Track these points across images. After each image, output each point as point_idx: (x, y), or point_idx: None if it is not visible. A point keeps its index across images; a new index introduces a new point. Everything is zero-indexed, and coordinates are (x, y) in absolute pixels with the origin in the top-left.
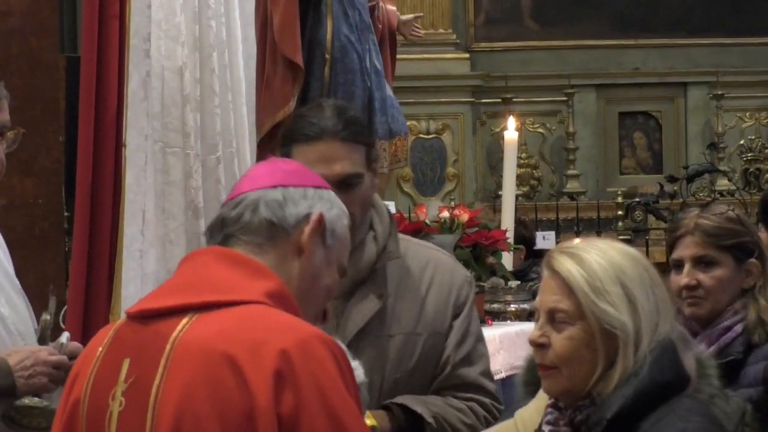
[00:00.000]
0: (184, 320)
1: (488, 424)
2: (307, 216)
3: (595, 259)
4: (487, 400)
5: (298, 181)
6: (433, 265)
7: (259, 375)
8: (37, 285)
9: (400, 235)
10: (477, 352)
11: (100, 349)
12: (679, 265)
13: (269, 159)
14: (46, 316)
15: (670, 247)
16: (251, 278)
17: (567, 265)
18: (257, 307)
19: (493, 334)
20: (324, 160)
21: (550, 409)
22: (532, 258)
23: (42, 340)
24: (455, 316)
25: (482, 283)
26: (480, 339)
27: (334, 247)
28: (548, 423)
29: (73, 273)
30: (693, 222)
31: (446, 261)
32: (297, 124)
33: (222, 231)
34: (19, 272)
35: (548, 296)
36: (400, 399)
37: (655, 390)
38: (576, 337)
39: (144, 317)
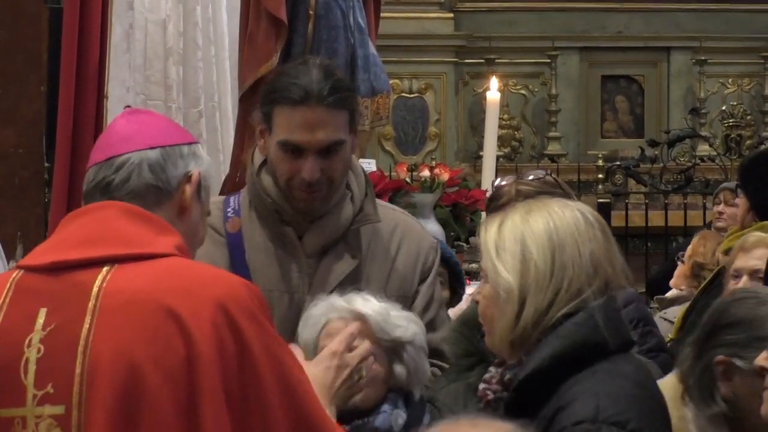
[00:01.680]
0: (103, 270)
1: None
2: (187, 175)
3: (512, 219)
4: (446, 365)
5: (173, 138)
6: (401, 229)
7: (199, 323)
8: (16, 235)
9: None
10: (440, 318)
11: (3, 300)
12: None
13: (130, 111)
14: (13, 264)
15: None
16: (158, 233)
17: (486, 227)
18: (177, 259)
19: (470, 293)
20: (307, 126)
21: (490, 368)
22: None
23: None
24: (422, 281)
25: (461, 242)
26: (443, 305)
27: (205, 199)
28: (484, 381)
29: (52, 223)
30: (513, 189)
31: (414, 226)
32: (280, 83)
33: (106, 195)
34: None
35: None
36: None
37: (574, 352)
38: (486, 296)
39: (54, 269)
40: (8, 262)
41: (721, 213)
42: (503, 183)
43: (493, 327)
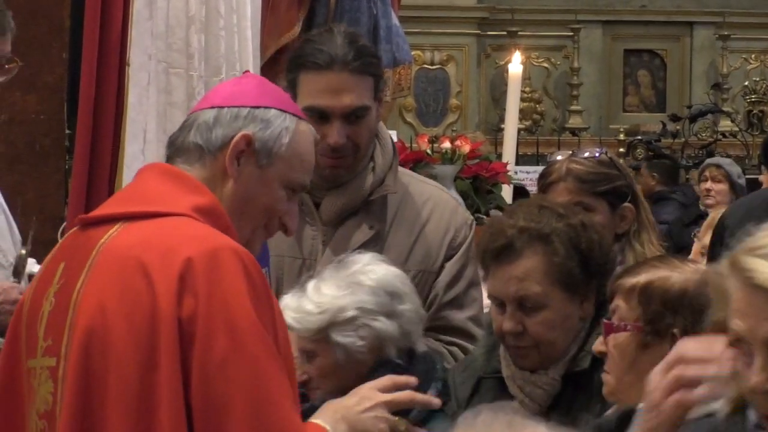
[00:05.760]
0: (114, 228)
1: None
2: (232, 138)
3: None
4: (470, 347)
5: (238, 100)
6: (432, 203)
7: (165, 280)
8: (36, 201)
9: (404, 171)
10: (469, 296)
11: (48, 256)
12: None
13: (243, 75)
14: (22, 251)
15: (542, 193)
16: (184, 193)
17: None
18: (179, 218)
19: None
20: (332, 91)
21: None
22: None
23: (16, 274)
24: (449, 257)
25: (482, 215)
26: (474, 284)
27: (274, 165)
28: None
29: (72, 190)
30: (565, 167)
31: (448, 200)
32: (305, 50)
33: (170, 149)
34: (19, 188)
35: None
36: None
37: None
38: None
39: (84, 225)
40: (21, 249)
41: (708, 190)
42: (556, 159)
43: None
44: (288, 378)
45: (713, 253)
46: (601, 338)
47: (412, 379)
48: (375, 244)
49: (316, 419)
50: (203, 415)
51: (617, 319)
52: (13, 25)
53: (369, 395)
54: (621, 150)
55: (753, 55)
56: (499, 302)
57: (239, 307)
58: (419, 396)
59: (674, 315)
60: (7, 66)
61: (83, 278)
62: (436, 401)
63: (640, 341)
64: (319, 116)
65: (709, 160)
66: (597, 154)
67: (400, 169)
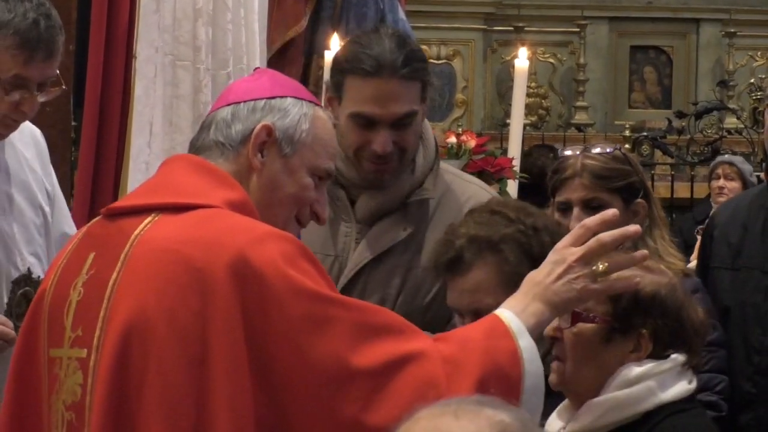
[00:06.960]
0: (147, 219)
1: None
2: (253, 131)
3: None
4: None
5: (254, 94)
6: (472, 204)
7: (217, 275)
8: None
9: (448, 169)
10: None
11: (71, 245)
12: (566, 209)
13: (256, 71)
14: (23, 290)
15: (555, 189)
16: (215, 186)
17: None
18: (215, 210)
19: None
20: (380, 99)
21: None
22: None
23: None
24: None
25: None
26: None
27: (297, 153)
28: None
29: (78, 183)
30: (579, 163)
31: (486, 198)
32: (352, 52)
33: (191, 151)
34: None
35: None
36: None
37: None
38: None
39: (113, 215)
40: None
41: (722, 188)
42: (568, 154)
43: None
44: (380, 313)
45: (703, 250)
46: (554, 323)
47: (609, 213)
48: (409, 245)
49: (503, 307)
50: (316, 391)
51: (583, 309)
52: (62, 49)
53: (560, 257)
54: (627, 146)
55: (759, 53)
56: (459, 313)
57: (304, 287)
58: (609, 236)
59: (644, 316)
60: (50, 89)
61: (118, 270)
62: (635, 228)
63: (605, 335)
64: (365, 123)
65: (720, 158)
66: (609, 150)
67: (444, 165)
